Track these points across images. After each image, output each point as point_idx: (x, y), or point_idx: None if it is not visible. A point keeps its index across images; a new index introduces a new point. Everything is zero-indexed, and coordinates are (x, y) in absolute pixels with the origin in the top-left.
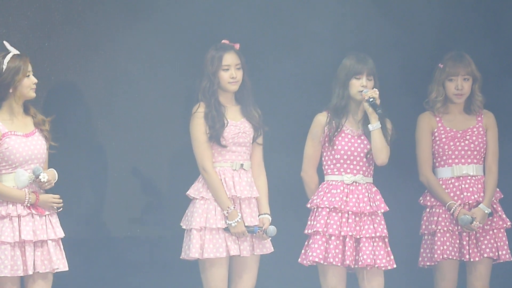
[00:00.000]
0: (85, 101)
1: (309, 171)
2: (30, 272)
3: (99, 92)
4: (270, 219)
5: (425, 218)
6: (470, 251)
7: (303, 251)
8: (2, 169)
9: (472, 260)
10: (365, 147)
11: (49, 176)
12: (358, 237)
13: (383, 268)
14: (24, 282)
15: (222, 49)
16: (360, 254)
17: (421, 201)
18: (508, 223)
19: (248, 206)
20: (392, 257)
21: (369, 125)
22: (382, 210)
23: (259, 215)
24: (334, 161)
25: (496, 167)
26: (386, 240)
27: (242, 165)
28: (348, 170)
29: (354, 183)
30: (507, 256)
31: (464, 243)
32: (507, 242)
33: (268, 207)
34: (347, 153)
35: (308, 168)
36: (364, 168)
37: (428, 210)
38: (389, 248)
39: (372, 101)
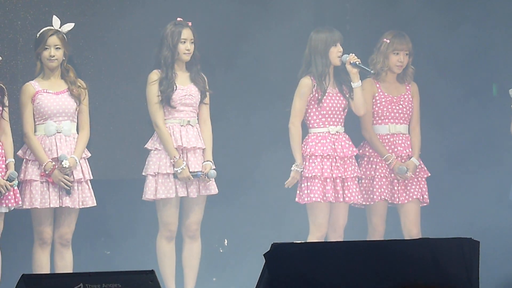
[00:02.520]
0: None
1: (296, 123)
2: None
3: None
4: (212, 165)
5: (363, 165)
6: (400, 195)
7: (298, 192)
8: (36, 121)
9: (401, 203)
10: (343, 102)
11: (70, 163)
12: (344, 177)
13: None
14: (55, 215)
15: (180, 25)
16: (346, 192)
17: (360, 151)
18: (428, 173)
19: (193, 155)
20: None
21: (352, 83)
22: (356, 153)
23: (203, 162)
24: (320, 116)
25: (419, 128)
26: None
27: (189, 121)
28: (331, 123)
29: (337, 133)
30: (427, 200)
31: (396, 188)
32: (427, 188)
33: (211, 155)
34: (331, 109)
35: (296, 120)
36: (341, 120)
37: (366, 159)
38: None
39: (359, 64)
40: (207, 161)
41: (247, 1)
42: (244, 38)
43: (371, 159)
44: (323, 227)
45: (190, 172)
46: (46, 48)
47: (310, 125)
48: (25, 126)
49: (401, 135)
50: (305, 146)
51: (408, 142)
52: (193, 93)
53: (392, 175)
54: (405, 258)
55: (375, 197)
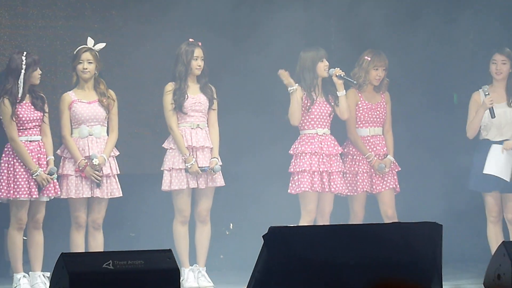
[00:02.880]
0: None
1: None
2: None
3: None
4: (218, 161)
5: (347, 162)
6: (377, 185)
7: (290, 184)
8: (72, 125)
9: (379, 191)
10: (329, 109)
11: (99, 161)
12: (330, 171)
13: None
14: (88, 204)
15: (192, 45)
16: (332, 184)
17: (345, 150)
18: (399, 168)
19: (202, 153)
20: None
21: (337, 92)
22: (340, 151)
23: (210, 159)
24: (309, 120)
25: (391, 130)
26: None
27: (198, 125)
28: (319, 126)
29: (324, 134)
30: (398, 189)
31: (373, 181)
32: (397, 180)
33: (217, 153)
34: (319, 115)
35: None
36: (328, 124)
37: (350, 156)
38: None
39: (343, 76)
40: (214, 157)
41: (245, 26)
42: (242, 57)
43: (355, 157)
44: (312, 213)
45: (199, 167)
46: (80, 62)
47: (301, 128)
48: (63, 129)
49: (378, 136)
50: (297, 145)
51: (384, 142)
52: (202, 101)
53: (372, 170)
54: (381, 239)
55: (358, 189)
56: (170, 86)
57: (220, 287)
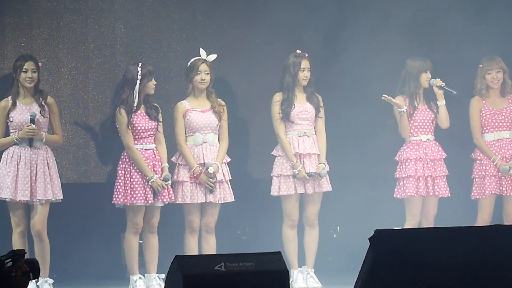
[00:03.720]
0: None
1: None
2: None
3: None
4: (325, 167)
5: (475, 167)
6: (507, 187)
7: (396, 189)
8: (186, 133)
9: (508, 194)
10: (431, 116)
11: (214, 168)
12: (434, 175)
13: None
14: (202, 208)
15: (300, 57)
16: (436, 187)
17: (472, 155)
18: None
19: (309, 160)
20: None
21: (438, 102)
22: (444, 156)
23: (317, 165)
24: (413, 127)
25: None
26: None
27: (305, 132)
28: (423, 132)
29: (428, 140)
30: None
31: (503, 183)
32: None
33: (324, 159)
34: (422, 121)
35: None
36: (431, 130)
37: (478, 161)
38: None
39: (443, 86)
40: (321, 163)
41: (347, 37)
42: (345, 67)
43: (482, 161)
44: (417, 216)
45: (306, 173)
46: (198, 74)
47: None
48: (178, 137)
49: (505, 139)
50: (402, 152)
51: (511, 145)
52: (308, 109)
53: (499, 172)
54: (483, 241)
55: (486, 192)
56: (278, 97)
57: None
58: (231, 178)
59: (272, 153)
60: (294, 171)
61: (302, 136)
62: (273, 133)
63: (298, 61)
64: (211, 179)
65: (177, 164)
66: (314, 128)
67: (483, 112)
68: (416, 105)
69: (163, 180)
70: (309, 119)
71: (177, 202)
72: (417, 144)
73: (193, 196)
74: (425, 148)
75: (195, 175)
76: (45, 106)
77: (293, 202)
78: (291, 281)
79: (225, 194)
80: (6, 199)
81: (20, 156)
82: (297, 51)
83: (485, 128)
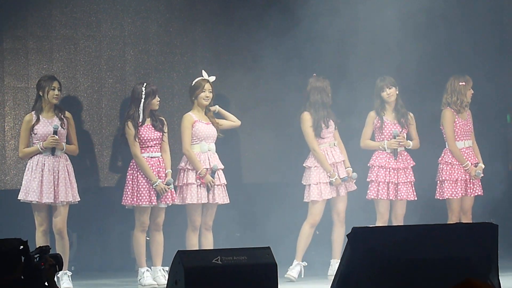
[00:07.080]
0: None
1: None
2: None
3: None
4: (351, 169)
5: (444, 170)
6: (473, 190)
7: (368, 192)
8: (193, 141)
9: (473, 195)
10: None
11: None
12: (397, 182)
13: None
14: (203, 209)
15: (325, 80)
16: (399, 193)
17: (440, 160)
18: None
19: (341, 166)
20: None
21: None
22: (412, 164)
23: (346, 168)
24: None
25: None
26: None
27: (333, 144)
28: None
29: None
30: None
31: (469, 185)
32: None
33: (348, 163)
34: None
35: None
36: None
37: (449, 166)
38: None
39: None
40: (347, 167)
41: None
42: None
43: (454, 166)
44: (385, 216)
45: (340, 178)
46: (203, 91)
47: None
48: (186, 144)
49: (470, 147)
50: (371, 160)
51: (473, 152)
52: (331, 125)
53: (467, 176)
54: (445, 238)
55: (458, 194)
56: (307, 116)
57: None
58: (226, 183)
59: (304, 164)
60: (331, 179)
61: (332, 147)
62: (260, 141)
63: (326, 84)
64: (213, 180)
65: (185, 169)
66: (335, 138)
67: (456, 122)
68: (385, 120)
69: (166, 184)
70: (333, 131)
71: (186, 202)
72: (386, 152)
73: (199, 196)
74: (391, 156)
75: (201, 175)
76: (64, 120)
77: (322, 206)
78: (289, 267)
79: (222, 196)
80: (32, 202)
81: (44, 163)
82: (313, 74)
83: (456, 137)
